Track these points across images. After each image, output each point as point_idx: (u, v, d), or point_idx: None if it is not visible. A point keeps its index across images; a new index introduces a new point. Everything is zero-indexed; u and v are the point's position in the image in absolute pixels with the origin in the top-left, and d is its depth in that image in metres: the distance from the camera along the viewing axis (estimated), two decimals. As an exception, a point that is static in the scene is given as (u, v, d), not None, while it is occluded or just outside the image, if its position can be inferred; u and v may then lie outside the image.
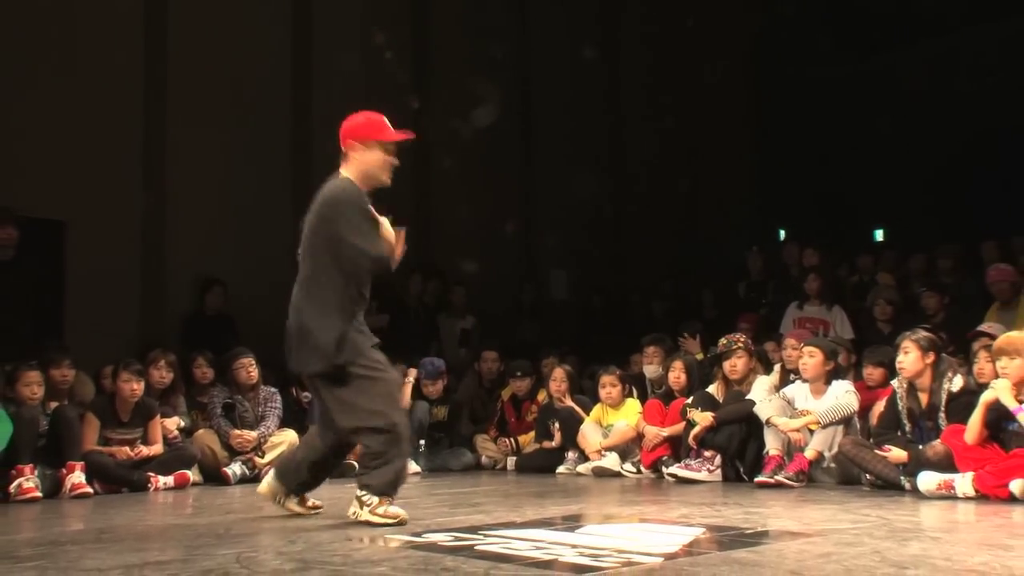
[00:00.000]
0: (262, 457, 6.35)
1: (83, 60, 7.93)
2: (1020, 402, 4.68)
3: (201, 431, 6.46)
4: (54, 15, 7.80)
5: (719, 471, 5.84)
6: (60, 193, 7.66)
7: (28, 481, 5.29)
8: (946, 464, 4.77)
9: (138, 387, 5.96)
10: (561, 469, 6.79)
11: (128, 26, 8.31)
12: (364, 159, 4.02)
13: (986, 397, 4.75)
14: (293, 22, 9.39)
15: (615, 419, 6.70)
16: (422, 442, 7.15)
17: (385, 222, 4.02)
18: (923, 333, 5.28)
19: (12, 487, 5.27)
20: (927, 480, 4.75)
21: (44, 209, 7.43)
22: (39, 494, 5.31)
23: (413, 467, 6.90)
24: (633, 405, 6.76)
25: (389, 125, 4.07)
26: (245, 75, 8.75)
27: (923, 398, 5.16)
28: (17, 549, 3.55)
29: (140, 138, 8.33)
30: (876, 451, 5.18)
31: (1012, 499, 4.48)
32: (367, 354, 3.94)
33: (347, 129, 4.07)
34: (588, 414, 6.86)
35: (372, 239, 3.91)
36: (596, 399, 6.94)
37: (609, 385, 6.76)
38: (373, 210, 3.98)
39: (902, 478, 5.02)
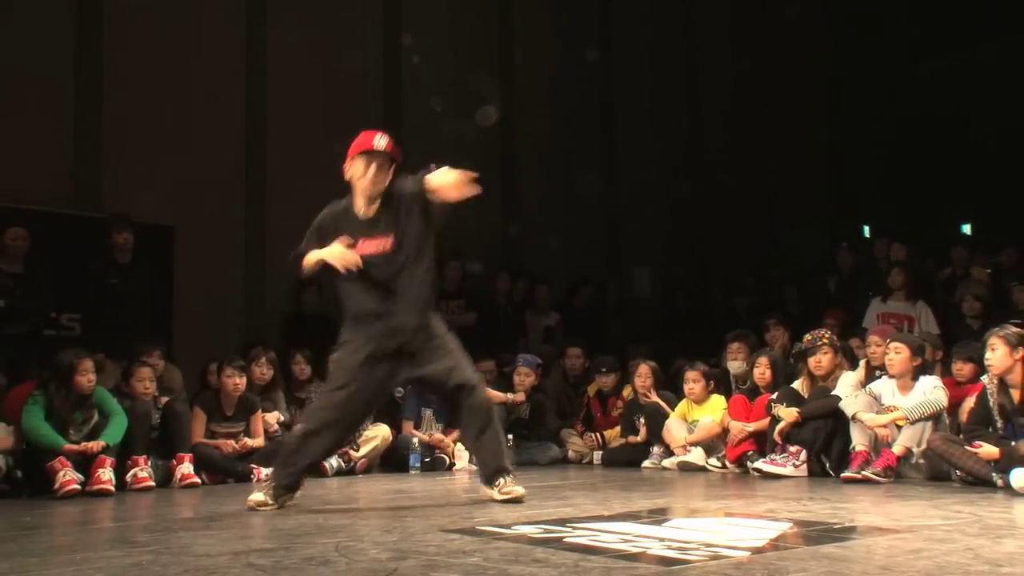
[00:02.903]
0: (357, 451, 6.52)
1: (190, 82, 8.45)
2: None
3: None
4: (165, 46, 8.33)
5: (804, 466, 5.77)
6: (170, 201, 8.10)
7: (142, 471, 5.55)
8: (1040, 461, 4.64)
9: (241, 383, 6.17)
10: (646, 463, 6.81)
11: (230, 48, 8.83)
12: (349, 172, 4.39)
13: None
14: (384, 35, 9.75)
15: (700, 415, 6.70)
16: (510, 436, 7.28)
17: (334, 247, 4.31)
18: (1011, 329, 5.09)
19: (128, 476, 5.52)
20: (1020, 477, 4.63)
21: (156, 215, 7.82)
22: (152, 483, 5.57)
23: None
24: (718, 401, 6.74)
25: (370, 139, 4.33)
26: (340, 86, 9.14)
27: (1015, 394, 4.98)
28: (134, 535, 3.73)
29: (242, 151, 8.82)
30: (967, 447, 5.04)
31: (1109, 497, 4.34)
32: None
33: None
34: (673, 409, 6.88)
35: (302, 248, 4.41)
36: (680, 395, 6.97)
37: (693, 381, 6.77)
38: (330, 228, 4.37)
39: (994, 475, 4.88)
